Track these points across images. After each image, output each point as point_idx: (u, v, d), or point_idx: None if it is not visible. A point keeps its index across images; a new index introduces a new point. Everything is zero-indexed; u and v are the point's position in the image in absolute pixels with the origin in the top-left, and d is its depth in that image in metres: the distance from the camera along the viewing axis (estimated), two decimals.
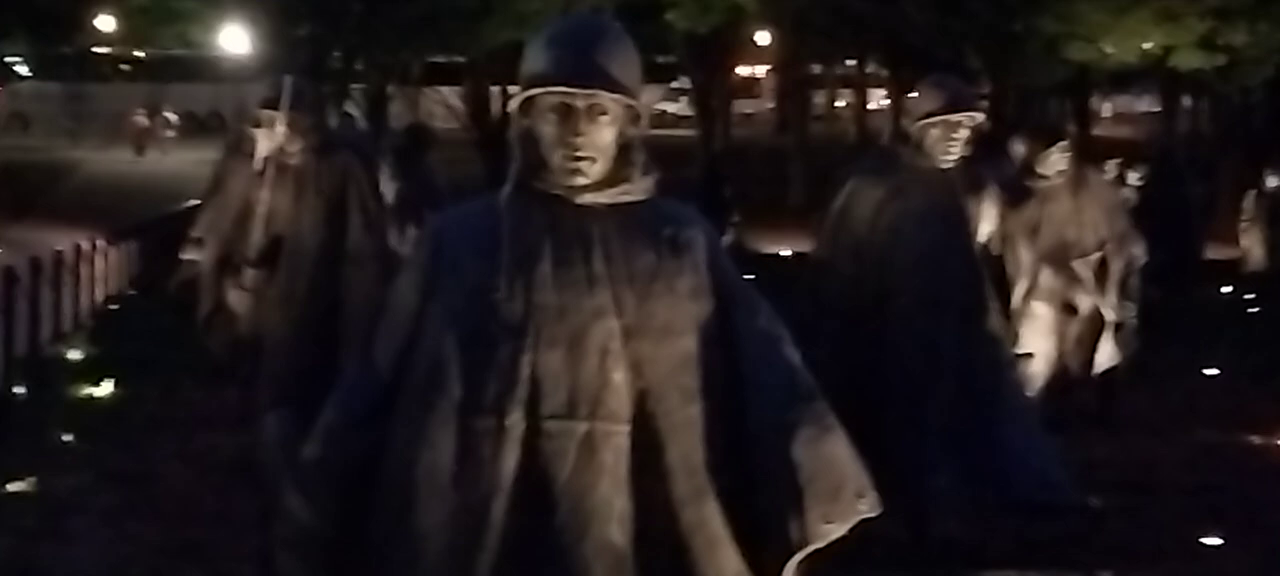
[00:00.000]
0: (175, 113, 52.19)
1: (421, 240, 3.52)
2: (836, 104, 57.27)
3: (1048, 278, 9.94)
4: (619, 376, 3.35)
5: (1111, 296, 9.97)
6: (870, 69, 49.36)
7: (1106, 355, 10.04)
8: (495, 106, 26.62)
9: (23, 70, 53.27)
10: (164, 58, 50.99)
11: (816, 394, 3.44)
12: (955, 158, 6.76)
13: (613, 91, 3.36)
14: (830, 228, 6.97)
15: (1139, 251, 10.19)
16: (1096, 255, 9.96)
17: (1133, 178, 19.47)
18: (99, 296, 17.10)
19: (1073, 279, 9.94)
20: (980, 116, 6.82)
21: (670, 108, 53.41)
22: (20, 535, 7.29)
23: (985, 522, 7.05)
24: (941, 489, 6.66)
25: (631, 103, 3.41)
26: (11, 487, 8.15)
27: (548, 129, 3.38)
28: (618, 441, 3.34)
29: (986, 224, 6.96)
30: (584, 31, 3.41)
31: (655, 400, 3.37)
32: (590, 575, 3.29)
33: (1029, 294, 9.94)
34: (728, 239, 27.74)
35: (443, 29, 23.86)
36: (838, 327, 6.78)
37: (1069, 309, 9.96)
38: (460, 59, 32.95)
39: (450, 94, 28.60)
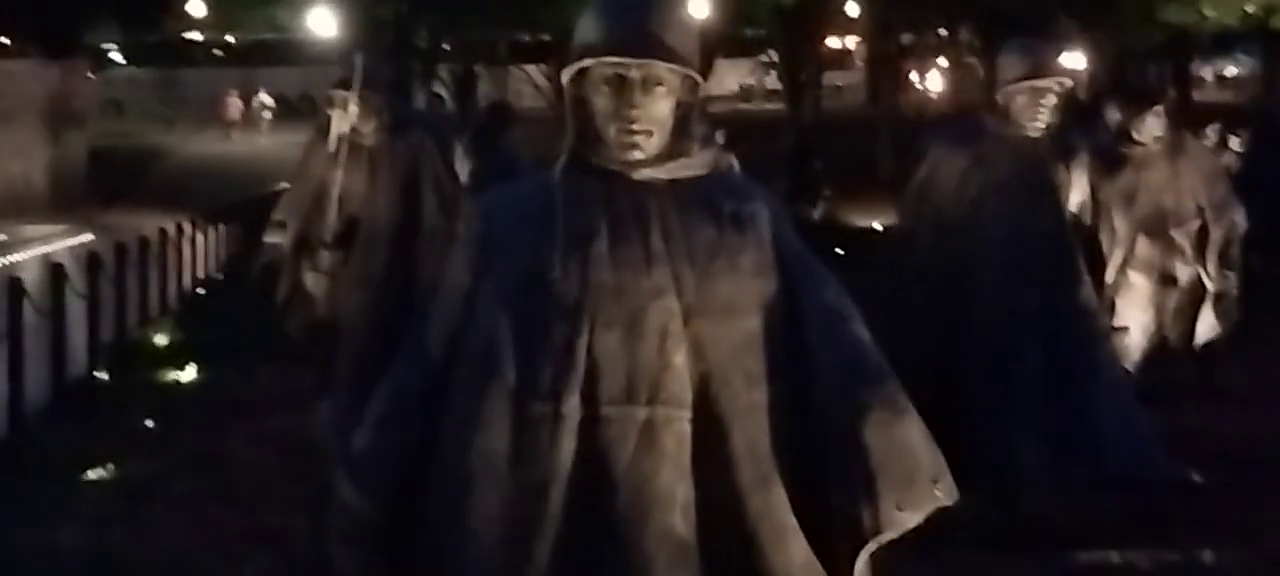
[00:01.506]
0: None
1: (473, 218, 3.37)
2: (928, 74, 56.67)
3: (1145, 247, 9.68)
4: (680, 359, 3.20)
5: (1211, 266, 9.69)
6: (964, 38, 48.83)
7: (1207, 327, 9.76)
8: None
9: (117, 57, 53.84)
10: (255, 41, 51.35)
11: (888, 374, 3.26)
12: (1043, 125, 6.52)
13: (668, 61, 3.20)
14: (913, 199, 6.78)
15: (1239, 219, 9.87)
16: (1195, 223, 9.68)
17: (1234, 143, 19.05)
18: (187, 280, 17.15)
19: (1171, 248, 9.67)
20: (1068, 82, 6.57)
21: (761, 81, 53.07)
22: (98, 521, 7.26)
23: (1078, 499, 6.82)
24: (1030, 464, 6.45)
25: (688, 72, 3.24)
26: (92, 473, 8.12)
27: (601, 102, 3.23)
28: (679, 427, 3.18)
29: (1077, 193, 6.72)
30: (638, 0, 3.25)
31: (718, 384, 3.21)
32: (652, 565, 3.14)
33: (1125, 264, 9.70)
34: (818, 212, 27.60)
35: (525, 7, 23.78)
36: (922, 301, 6.60)
37: (1167, 279, 9.69)
38: (546, 37, 32.79)
39: (536, 72, 28.47)
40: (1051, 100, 6.51)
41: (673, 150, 3.27)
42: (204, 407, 10.02)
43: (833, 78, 54.19)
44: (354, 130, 7.73)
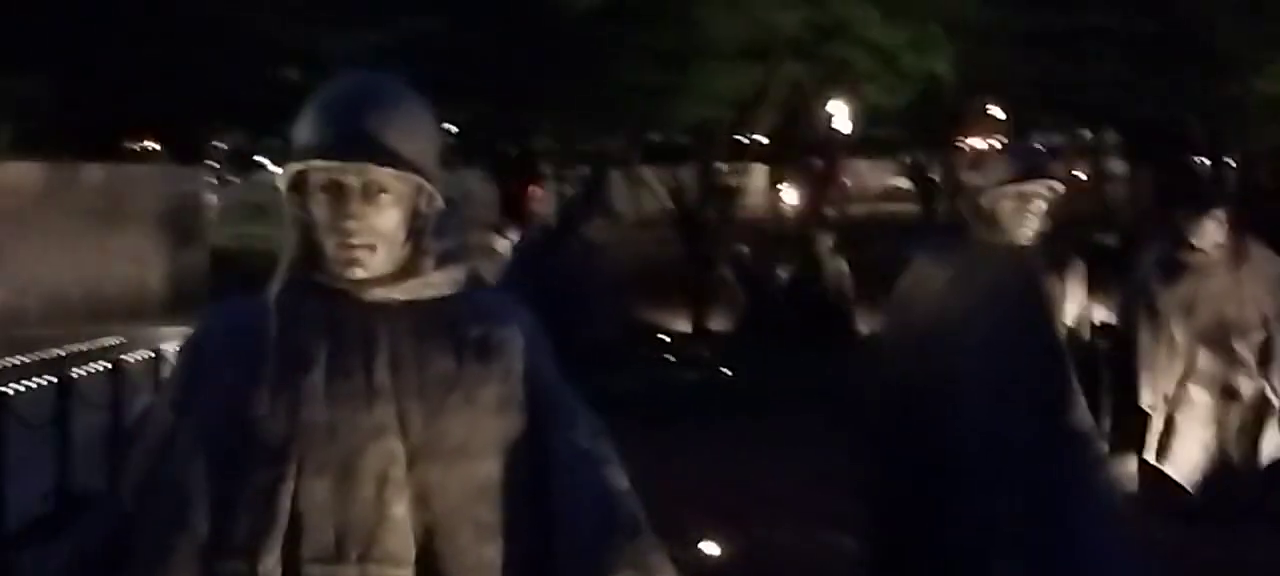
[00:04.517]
0: None
1: (184, 345, 2.98)
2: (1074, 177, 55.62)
3: (1206, 360, 9.12)
4: (400, 510, 2.79)
5: (1277, 380, 9.08)
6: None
7: (1273, 445, 9.14)
8: (690, 185, 26.19)
9: (265, 161, 54.60)
10: None
11: (641, 527, 2.82)
12: (1032, 231, 6.01)
13: (387, 165, 2.80)
14: (894, 311, 6.29)
15: None
16: (1259, 334, 9.10)
17: None
18: None
19: (1233, 360, 9.09)
20: (1060, 187, 6.06)
21: (903, 182, 52.44)
22: None
23: None
24: None
25: (419, 180, 2.84)
26: None
27: (319, 211, 2.84)
28: None
29: (1073, 305, 6.19)
30: (357, 95, 2.86)
31: (444, 537, 2.80)
32: None
33: (1186, 377, 9.14)
34: None
35: (630, 108, 23.57)
36: (902, 416, 6.09)
37: (1230, 393, 9.10)
38: (683, 139, 32.47)
39: (650, 174, 28.37)
40: (1040, 206, 6.00)
41: (410, 267, 2.88)
42: None
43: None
44: None
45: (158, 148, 35.45)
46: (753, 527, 9.17)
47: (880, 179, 56.77)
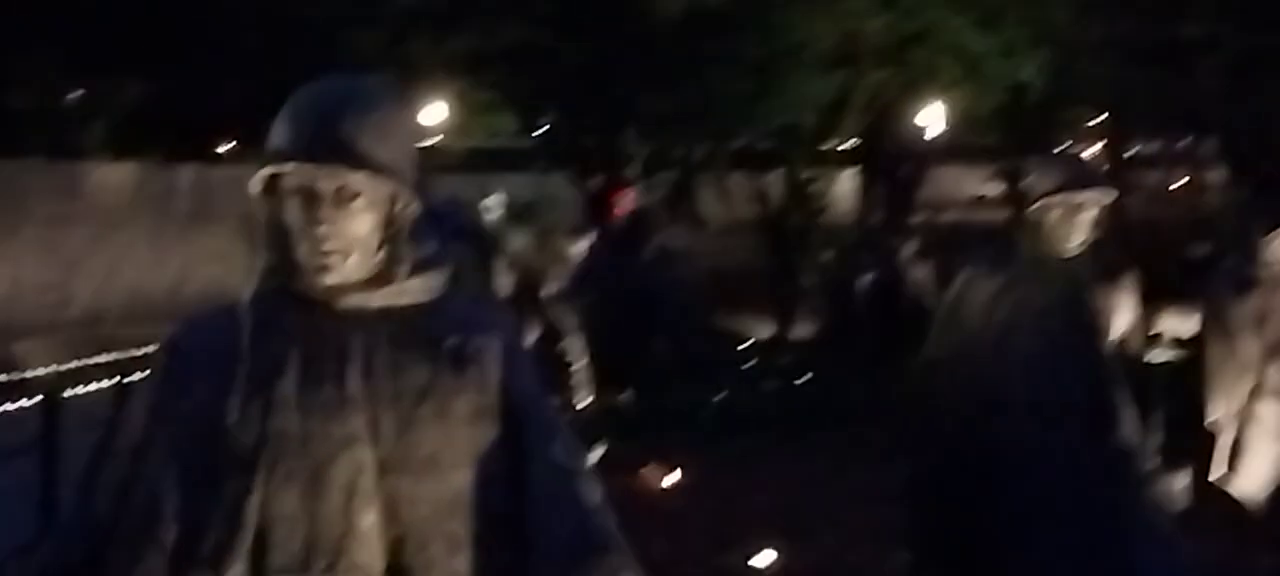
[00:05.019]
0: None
1: (159, 352, 2.95)
2: (1172, 186, 54.98)
3: (1276, 375, 8.90)
4: (369, 521, 2.75)
5: None
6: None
7: None
8: (773, 191, 26.09)
9: None
10: (487, 149, 52.03)
11: (613, 544, 2.77)
12: (1080, 243, 5.89)
13: (359, 169, 2.76)
14: (940, 324, 6.17)
15: None
16: None
17: None
18: None
19: None
20: (1109, 196, 5.94)
21: (990, 190, 51.98)
22: None
23: None
24: None
25: (393, 185, 2.79)
26: None
27: (291, 217, 2.80)
28: None
29: (1123, 318, 6.05)
30: (331, 97, 2.82)
31: (414, 549, 2.76)
32: None
33: (1255, 393, 8.94)
34: None
35: (716, 114, 23.50)
36: (947, 432, 5.99)
37: None
38: (768, 146, 32.34)
39: (736, 180, 28.27)
40: (1088, 217, 5.87)
41: (384, 274, 2.83)
42: None
43: None
44: None
45: (247, 150, 35.76)
46: (820, 540, 9.09)
47: (970, 186, 56.37)
